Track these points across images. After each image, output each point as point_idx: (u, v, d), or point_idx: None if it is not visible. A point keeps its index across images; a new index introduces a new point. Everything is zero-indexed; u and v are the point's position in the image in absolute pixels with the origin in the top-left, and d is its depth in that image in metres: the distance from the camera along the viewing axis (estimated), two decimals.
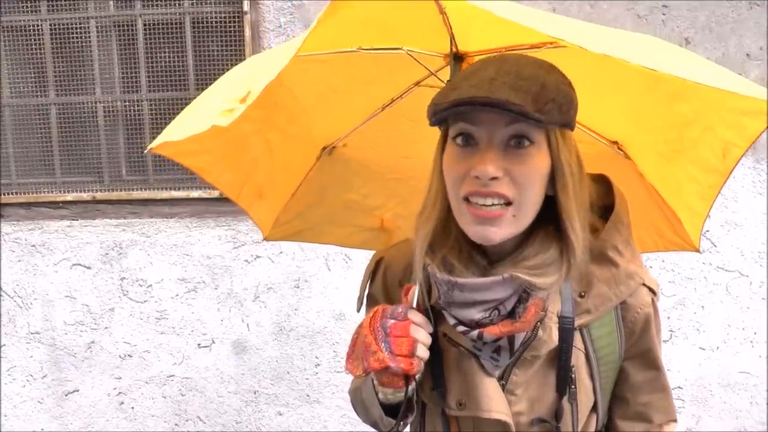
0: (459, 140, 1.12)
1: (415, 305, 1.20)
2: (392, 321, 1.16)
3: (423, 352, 1.16)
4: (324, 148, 1.70)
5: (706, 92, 1.18)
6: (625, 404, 1.33)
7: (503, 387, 1.24)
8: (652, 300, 1.27)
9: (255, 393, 3.57)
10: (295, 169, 1.71)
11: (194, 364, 3.57)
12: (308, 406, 3.56)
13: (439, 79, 1.41)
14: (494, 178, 1.07)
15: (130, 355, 3.59)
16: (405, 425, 1.33)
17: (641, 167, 1.50)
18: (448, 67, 1.35)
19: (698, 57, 1.24)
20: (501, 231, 1.11)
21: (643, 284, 1.26)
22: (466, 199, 1.11)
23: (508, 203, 1.10)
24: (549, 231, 1.17)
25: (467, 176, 1.10)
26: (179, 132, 1.14)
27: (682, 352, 3.39)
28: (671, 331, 3.37)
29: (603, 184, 1.30)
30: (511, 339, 1.20)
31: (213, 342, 3.55)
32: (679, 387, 3.41)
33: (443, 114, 1.08)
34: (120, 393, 3.62)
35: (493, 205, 1.09)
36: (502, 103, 1.01)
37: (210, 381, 3.58)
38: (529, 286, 1.14)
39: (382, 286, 1.41)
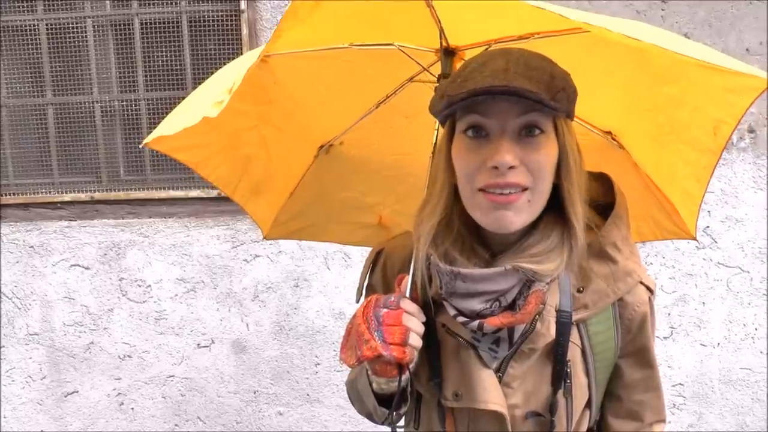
0: (470, 132, 1.13)
1: (408, 295, 1.21)
2: (385, 310, 1.17)
3: (415, 341, 1.17)
4: (321, 147, 1.71)
5: (691, 72, 1.19)
6: (617, 402, 1.34)
7: (500, 379, 1.24)
8: (649, 298, 1.28)
9: (255, 393, 3.56)
10: (293, 168, 1.72)
11: (194, 364, 3.57)
12: (308, 406, 3.55)
13: (431, 74, 1.42)
14: (511, 168, 1.08)
15: (129, 356, 3.58)
16: (399, 416, 1.34)
17: (635, 156, 1.51)
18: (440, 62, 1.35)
19: (686, 39, 1.25)
20: (517, 216, 1.12)
21: (641, 282, 1.26)
22: (482, 190, 1.12)
23: (524, 189, 1.11)
24: (550, 219, 1.19)
25: (482, 167, 1.11)
26: (173, 126, 1.15)
27: (683, 349, 3.38)
28: (672, 327, 3.36)
29: (604, 182, 1.32)
30: (510, 330, 1.21)
31: (212, 342, 3.54)
32: (680, 383, 3.40)
33: (460, 104, 1.09)
34: (120, 394, 3.62)
35: (510, 193, 1.10)
36: (522, 91, 1.03)
37: (210, 381, 3.57)
38: (532, 274, 1.15)
39: (382, 276, 1.42)
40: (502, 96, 1.05)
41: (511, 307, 1.18)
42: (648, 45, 1.00)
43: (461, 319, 1.20)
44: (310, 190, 1.74)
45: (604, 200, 1.28)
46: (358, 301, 1.42)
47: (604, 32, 0.99)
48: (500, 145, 1.09)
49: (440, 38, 1.31)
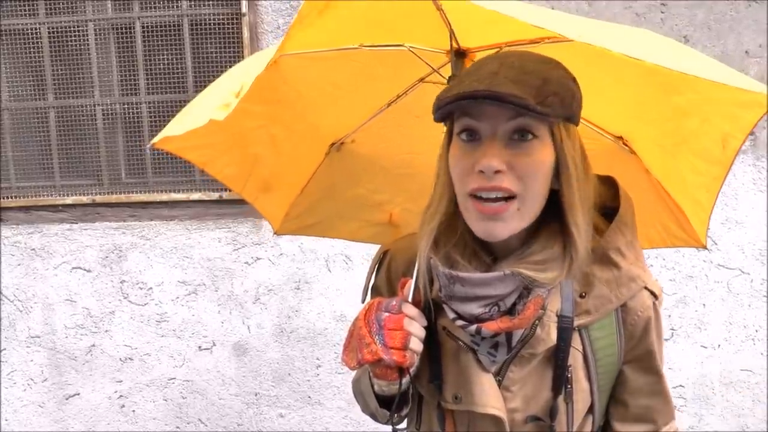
0: (463, 135, 1.13)
1: (410, 299, 1.22)
2: (386, 314, 1.18)
3: (416, 345, 1.18)
4: (332, 144, 1.72)
5: (698, 85, 1.18)
6: (623, 407, 1.32)
7: (499, 383, 1.24)
8: (654, 304, 1.27)
9: (256, 395, 3.56)
10: (304, 165, 1.73)
11: (195, 366, 3.57)
12: (310, 408, 3.56)
13: (441, 75, 1.42)
14: (498, 172, 1.08)
15: (130, 358, 3.58)
16: (401, 418, 1.35)
17: (646, 162, 1.50)
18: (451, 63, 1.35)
19: (692, 50, 1.24)
20: (506, 226, 1.12)
21: (645, 288, 1.25)
22: (472, 195, 1.12)
23: (512, 197, 1.10)
24: (555, 227, 1.18)
25: (472, 171, 1.10)
26: (180, 127, 1.17)
27: (683, 351, 3.39)
28: (672, 329, 3.37)
29: (610, 186, 1.30)
30: (508, 335, 1.20)
31: (214, 344, 3.54)
32: (680, 385, 3.40)
33: (447, 108, 1.09)
34: (121, 396, 3.62)
35: (497, 199, 1.10)
36: (502, 96, 1.02)
37: (211, 383, 3.57)
38: (531, 282, 1.15)
39: (386, 278, 1.42)
40: (489, 101, 1.04)
41: (510, 312, 1.17)
42: (650, 65, 1.00)
43: (460, 322, 1.19)
44: (320, 187, 1.75)
45: (612, 204, 1.27)
46: (363, 301, 1.43)
47: (617, 55, 0.99)
48: (488, 150, 1.09)
49: (450, 40, 1.31)
